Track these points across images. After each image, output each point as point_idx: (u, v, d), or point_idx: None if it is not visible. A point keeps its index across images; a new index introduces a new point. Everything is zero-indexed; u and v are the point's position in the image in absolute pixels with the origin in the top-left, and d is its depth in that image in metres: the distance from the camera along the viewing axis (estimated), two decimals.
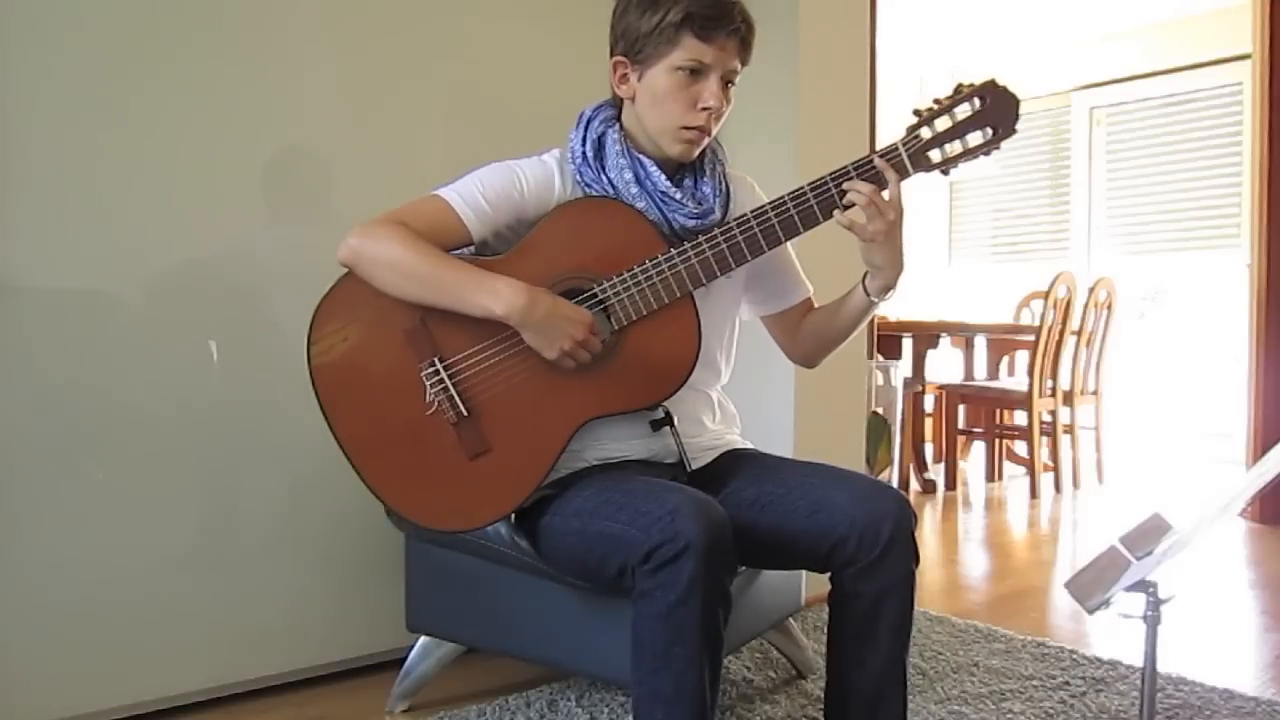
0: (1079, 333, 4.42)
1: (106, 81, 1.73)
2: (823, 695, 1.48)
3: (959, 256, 6.57)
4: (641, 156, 1.45)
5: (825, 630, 1.45)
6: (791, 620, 1.98)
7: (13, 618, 1.66)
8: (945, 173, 1.40)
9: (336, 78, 1.98)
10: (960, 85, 1.38)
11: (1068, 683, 1.98)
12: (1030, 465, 4.32)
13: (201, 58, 1.82)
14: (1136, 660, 2.06)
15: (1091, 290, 4.41)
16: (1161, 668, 1.92)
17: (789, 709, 1.85)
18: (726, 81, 1.43)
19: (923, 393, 4.59)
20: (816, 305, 1.64)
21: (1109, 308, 4.53)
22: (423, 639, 1.85)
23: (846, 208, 1.37)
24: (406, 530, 1.81)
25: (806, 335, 1.63)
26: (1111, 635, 2.32)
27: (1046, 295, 4.24)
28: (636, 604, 1.27)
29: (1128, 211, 5.72)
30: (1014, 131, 1.37)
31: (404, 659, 1.87)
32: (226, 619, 1.88)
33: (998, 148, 1.38)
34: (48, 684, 1.70)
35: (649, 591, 1.25)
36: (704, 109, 1.41)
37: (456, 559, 1.73)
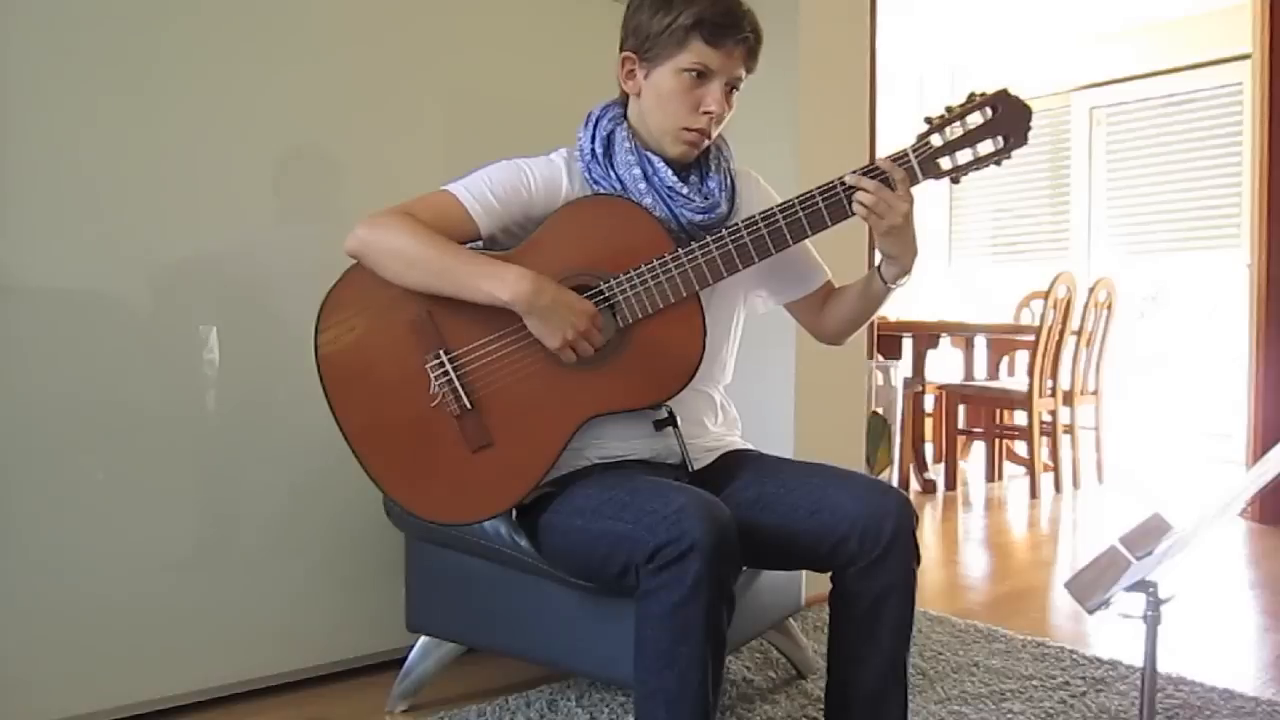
0: (1079, 333, 4.42)
1: (105, 80, 1.72)
2: (823, 695, 1.48)
3: (959, 256, 6.57)
4: (649, 154, 1.46)
5: (825, 630, 1.45)
6: (791, 620, 1.98)
7: (12, 617, 1.66)
8: (955, 180, 1.40)
9: (339, 75, 1.97)
10: (972, 94, 1.38)
11: (1068, 683, 1.98)
12: (1030, 465, 4.32)
13: (202, 55, 1.82)
14: (1136, 660, 2.05)
15: (1091, 290, 4.41)
16: (1161, 668, 1.91)
17: (789, 709, 1.85)
18: (731, 87, 1.44)
19: (923, 393, 4.59)
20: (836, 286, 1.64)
21: (1109, 308, 4.53)
22: (423, 639, 1.85)
23: (855, 202, 1.38)
24: (406, 530, 1.81)
25: (831, 317, 1.62)
26: (1111, 635, 2.32)
27: (1046, 295, 4.24)
28: (640, 603, 1.27)
29: (1128, 211, 5.72)
30: (1025, 141, 1.38)
31: (404, 659, 1.87)
32: (226, 619, 1.88)
33: (1008, 157, 1.39)
34: (47, 684, 1.70)
35: (653, 590, 1.25)
36: (705, 113, 1.43)
37: (456, 559, 1.73)
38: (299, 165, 1.96)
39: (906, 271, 1.45)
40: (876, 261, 1.48)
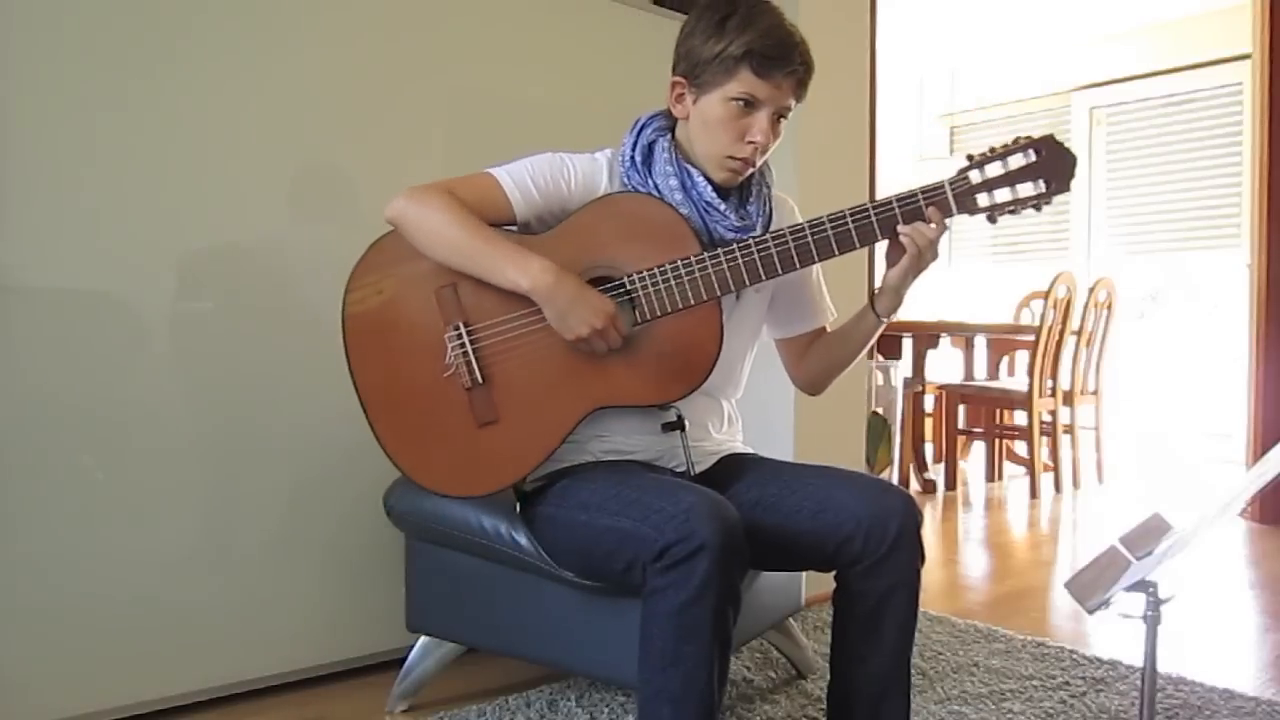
0: (1079, 333, 4.42)
1: (105, 81, 1.72)
2: (823, 695, 1.48)
3: (959, 256, 6.57)
4: (690, 167, 1.47)
5: (826, 630, 1.46)
6: (791, 620, 1.98)
7: (12, 617, 1.66)
8: (992, 220, 1.39)
9: (345, 76, 1.97)
10: (1018, 138, 1.38)
11: (1068, 683, 1.98)
12: (1030, 465, 4.32)
13: (208, 54, 1.82)
14: (1136, 660, 2.05)
15: (1091, 290, 4.41)
16: (1161, 668, 1.91)
17: (789, 709, 1.85)
18: (779, 116, 1.44)
19: (923, 393, 4.59)
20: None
21: (1109, 308, 4.53)
22: (423, 639, 1.84)
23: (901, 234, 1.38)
24: (406, 530, 1.81)
25: (814, 360, 1.63)
26: (1111, 635, 2.32)
27: (1046, 295, 4.24)
28: (646, 602, 1.27)
29: (1128, 211, 5.73)
30: (1068, 188, 1.37)
31: (404, 659, 1.87)
32: (227, 619, 1.87)
33: (1049, 202, 1.38)
34: (47, 684, 1.69)
35: (660, 589, 1.25)
36: (750, 143, 1.43)
37: (456, 559, 1.73)
38: (304, 166, 1.96)
39: (900, 304, 1.47)
40: (868, 300, 1.49)
